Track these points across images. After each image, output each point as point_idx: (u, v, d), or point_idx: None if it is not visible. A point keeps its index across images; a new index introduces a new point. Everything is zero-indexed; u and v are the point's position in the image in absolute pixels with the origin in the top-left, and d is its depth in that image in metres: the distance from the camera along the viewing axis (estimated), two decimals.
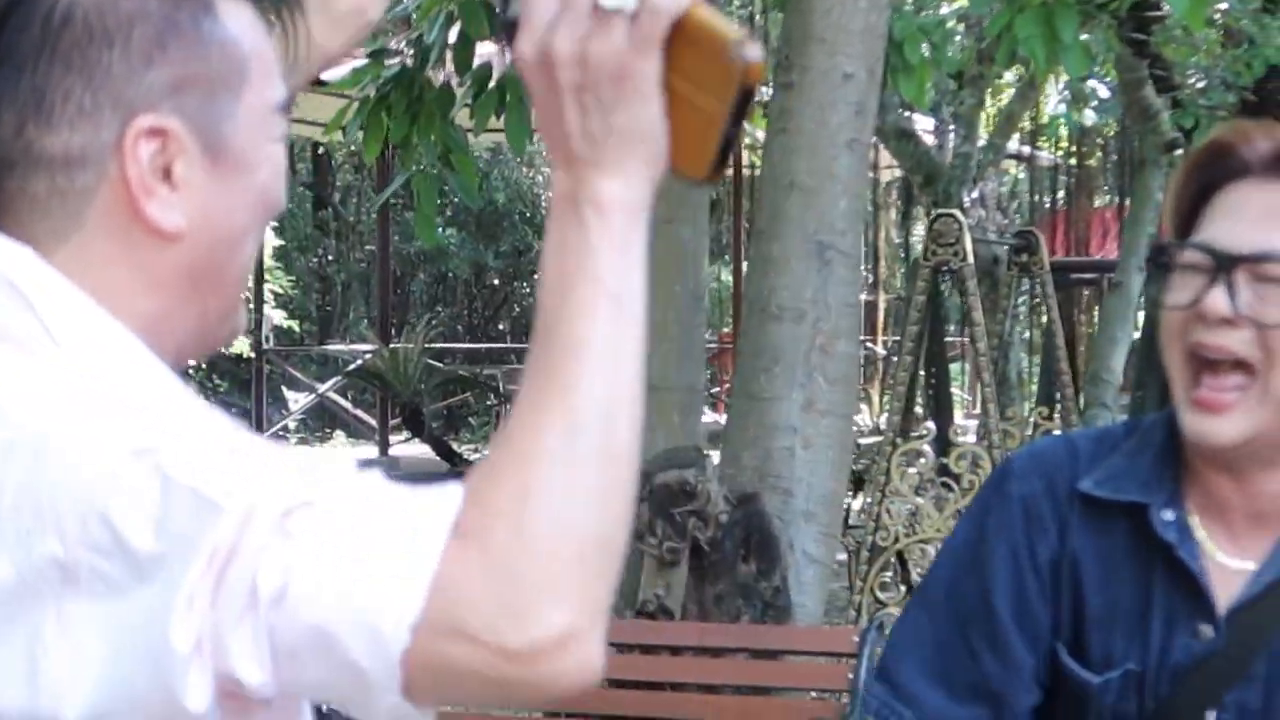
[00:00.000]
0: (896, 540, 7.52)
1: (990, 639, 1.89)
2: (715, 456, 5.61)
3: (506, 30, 1.19)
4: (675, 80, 1.13)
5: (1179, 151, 11.03)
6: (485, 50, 6.40)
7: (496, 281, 24.03)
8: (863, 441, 11.49)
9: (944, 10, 9.65)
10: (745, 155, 10.91)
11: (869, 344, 20.25)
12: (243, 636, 1.05)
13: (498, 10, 6.31)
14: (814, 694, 5.31)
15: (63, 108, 1.21)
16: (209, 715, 1.08)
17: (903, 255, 24.90)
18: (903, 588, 7.48)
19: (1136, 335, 11.96)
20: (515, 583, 1.06)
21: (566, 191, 1.15)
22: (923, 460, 7.76)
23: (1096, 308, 17.70)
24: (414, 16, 6.53)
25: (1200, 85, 10.54)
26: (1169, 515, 1.81)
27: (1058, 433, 7.59)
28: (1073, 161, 22.31)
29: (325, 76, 11.14)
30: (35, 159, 1.22)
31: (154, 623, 1.06)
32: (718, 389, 17.76)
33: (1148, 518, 1.81)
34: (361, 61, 6.67)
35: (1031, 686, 1.90)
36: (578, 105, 1.13)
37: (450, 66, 6.30)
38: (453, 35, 6.19)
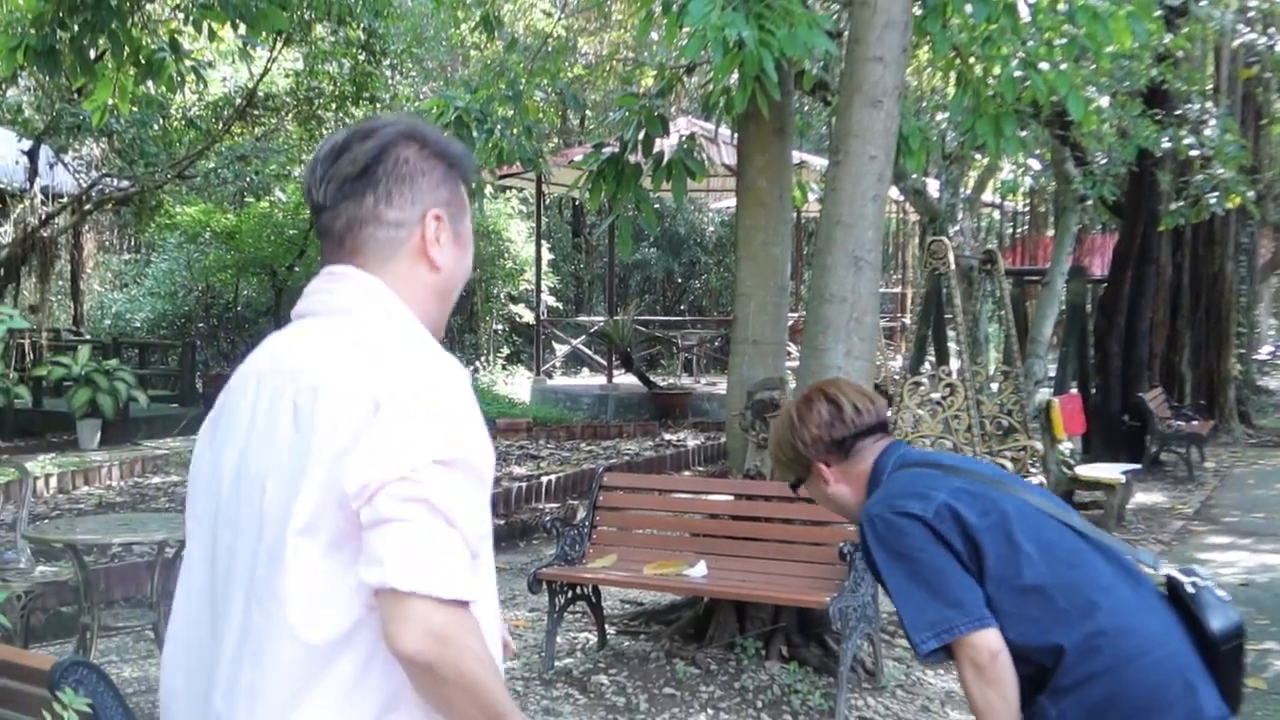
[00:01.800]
0: (906, 436, 7.45)
1: None
2: (792, 383, 5.58)
3: None
4: None
5: (1088, 202, 10.67)
6: (660, 143, 6.32)
7: (679, 280, 23.93)
8: (897, 376, 11.35)
9: (939, 117, 9.39)
10: (816, 205, 10.70)
11: (902, 318, 19.75)
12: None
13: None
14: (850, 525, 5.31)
15: (399, 199, 1.52)
16: None
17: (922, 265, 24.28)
18: None
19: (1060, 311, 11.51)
20: None
21: None
22: (922, 388, 7.66)
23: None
24: (621, 124, 6.45)
25: (1102, 161, 10.10)
26: None
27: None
28: (1027, 208, 21.66)
29: (573, 158, 11.11)
30: (380, 221, 1.52)
31: None
32: (795, 344, 17.59)
33: None
34: (590, 150, 6.71)
35: None
36: None
37: (639, 153, 6.25)
38: (640, 135, 6.15)
